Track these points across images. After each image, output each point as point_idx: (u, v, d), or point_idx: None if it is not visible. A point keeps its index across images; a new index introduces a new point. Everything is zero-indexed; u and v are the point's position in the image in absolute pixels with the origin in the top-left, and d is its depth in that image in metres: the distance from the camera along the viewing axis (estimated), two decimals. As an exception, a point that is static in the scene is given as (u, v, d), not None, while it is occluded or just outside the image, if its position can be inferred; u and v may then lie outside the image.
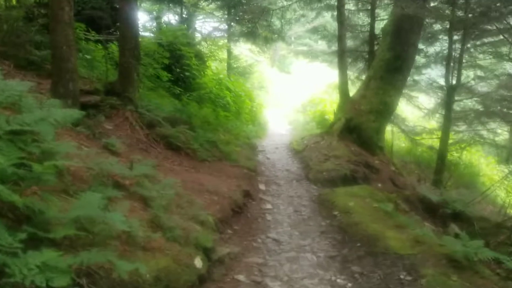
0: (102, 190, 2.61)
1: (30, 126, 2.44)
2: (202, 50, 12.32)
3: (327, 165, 6.55)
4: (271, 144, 9.40)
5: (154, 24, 13.32)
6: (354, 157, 6.88)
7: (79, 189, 2.58)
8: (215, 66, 12.92)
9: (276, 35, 13.73)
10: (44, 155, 2.42)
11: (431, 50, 10.46)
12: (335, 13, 10.40)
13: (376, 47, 9.57)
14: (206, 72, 10.56)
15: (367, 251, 3.28)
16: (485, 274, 2.72)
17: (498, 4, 6.95)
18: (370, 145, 7.95)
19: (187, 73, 9.12)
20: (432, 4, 8.11)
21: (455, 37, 7.73)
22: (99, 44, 7.16)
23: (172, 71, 8.64)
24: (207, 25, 16.85)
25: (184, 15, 13.72)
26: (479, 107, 8.82)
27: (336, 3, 9.99)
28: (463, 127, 9.04)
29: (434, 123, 10.19)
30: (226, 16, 14.22)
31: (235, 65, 15.52)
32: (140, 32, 7.58)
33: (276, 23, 14.09)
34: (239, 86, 11.98)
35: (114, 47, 7.13)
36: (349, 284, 2.86)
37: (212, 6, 14.65)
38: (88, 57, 6.68)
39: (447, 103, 7.66)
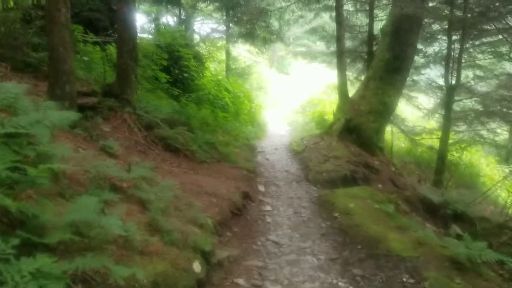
0: (99, 193, 2.57)
1: (26, 128, 2.39)
2: (201, 51, 12.30)
3: (326, 166, 6.51)
4: (271, 145, 9.36)
5: (153, 25, 13.30)
6: (354, 158, 6.84)
7: (76, 193, 2.54)
8: (214, 67, 12.90)
9: (274, 36, 13.71)
10: (40, 158, 2.38)
11: (430, 50, 10.45)
12: (334, 13, 10.39)
13: (375, 48, 9.55)
14: (204, 73, 10.53)
15: (368, 253, 3.24)
16: (488, 277, 2.68)
17: (497, 4, 6.95)
18: (370, 145, 7.91)
19: (185, 75, 9.09)
20: (430, 4, 8.09)
21: (454, 37, 7.72)
22: (97, 46, 7.13)
23: (171, 73, 8.60)
24: (206, 26, 16.88)
25: (182, 17, 13.71)
26: (479, 107, 8.79)
27: (334, 4, 9.97)
28: (463, 127, 9.02)
29: (433, 123, 10.17)
30: (225, 17, 14.20)
31: (233, 66, 15.49)
32: (138, 34, 7.55)
33: (275, 24, 14.06)
34: (238, 87, 11.95)
35: (112, 49, 7.09)
36: None
37: (211, 7, 14.63)
38: (86, 59, 6.64)
39: (447, 103, 7.64)
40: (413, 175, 8.72)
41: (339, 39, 9.70)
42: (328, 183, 5.92)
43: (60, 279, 1.57)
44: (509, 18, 7.09)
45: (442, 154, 7.56)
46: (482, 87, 9.29)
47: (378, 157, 7.78)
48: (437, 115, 9.55)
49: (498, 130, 9.42)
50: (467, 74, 9.65)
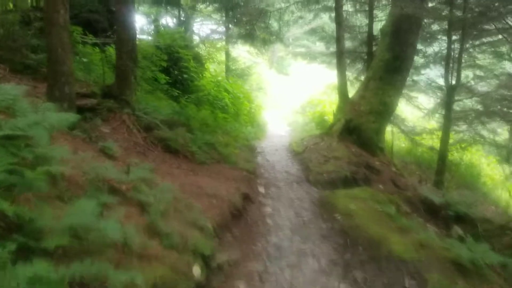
0: (98, 196, 2.54)
1: (23, 130, 2.37)
2: (200, 52, 12.29)
3: (327, 166, 6.48)
4: (270, 146, 9.33)
5: (152, 27, 13.29)
6: (354, 158, 6.81)
7: (74, 195, 2.51)
8: (213, 68, 12.88)
9: (274, 37, 13.71)
10: (38, 160, 2.35)
11: (430, 50, 10.43)
12: (333, 14, 10.37)
13: (374, 48, 9.54)
14: (204, 74, 10.51)
15: (370, 255, 3.22)
16: (491, 279, 2.66)
17: (496, 4, 6.93)
18: (370, 146, 7.89)
19: (185, 76, 9.07)
20: (430, 4, 8.08)
21: (454, 37, 7.70)
22: (96, 47, 7.11)
23: (170, 74, 8.59)
24: (205, 27, 16.86)
25: (182, 18, 13.70)
26: (479, 106, 8.77)
27: (333, 5, 9.96)
28: (463, 127, 8.99)
29: (434, 123, 10.15)
30: (224, 19, 14.19)
31: (233, 67, 15.49)
32: (137, 35, 7.54)
33: (274, 25, 14.06)
34: (238, 88, 11.93)
35: (111, 50, 7.08)
36: (352, 290, 2.80)
37: (210, 8, 14.63)
38: (85, 60, 6.62)
39: (447, 103, 7.62)
40: (414, 175, 8.68)
41: (338, 39, 9.69)
42: (328, 184, 5.89)
43: (57, 285, 1.55)
44: (509, 18, 7.07)
45: (442, 154, 7.54)
46: (482, 87, 9.27)
47: (379, 157, 7.75)
48: (437, 115, 9.53)
49: (499, 130, 9.41)
50: (467, 74, 9.62)
